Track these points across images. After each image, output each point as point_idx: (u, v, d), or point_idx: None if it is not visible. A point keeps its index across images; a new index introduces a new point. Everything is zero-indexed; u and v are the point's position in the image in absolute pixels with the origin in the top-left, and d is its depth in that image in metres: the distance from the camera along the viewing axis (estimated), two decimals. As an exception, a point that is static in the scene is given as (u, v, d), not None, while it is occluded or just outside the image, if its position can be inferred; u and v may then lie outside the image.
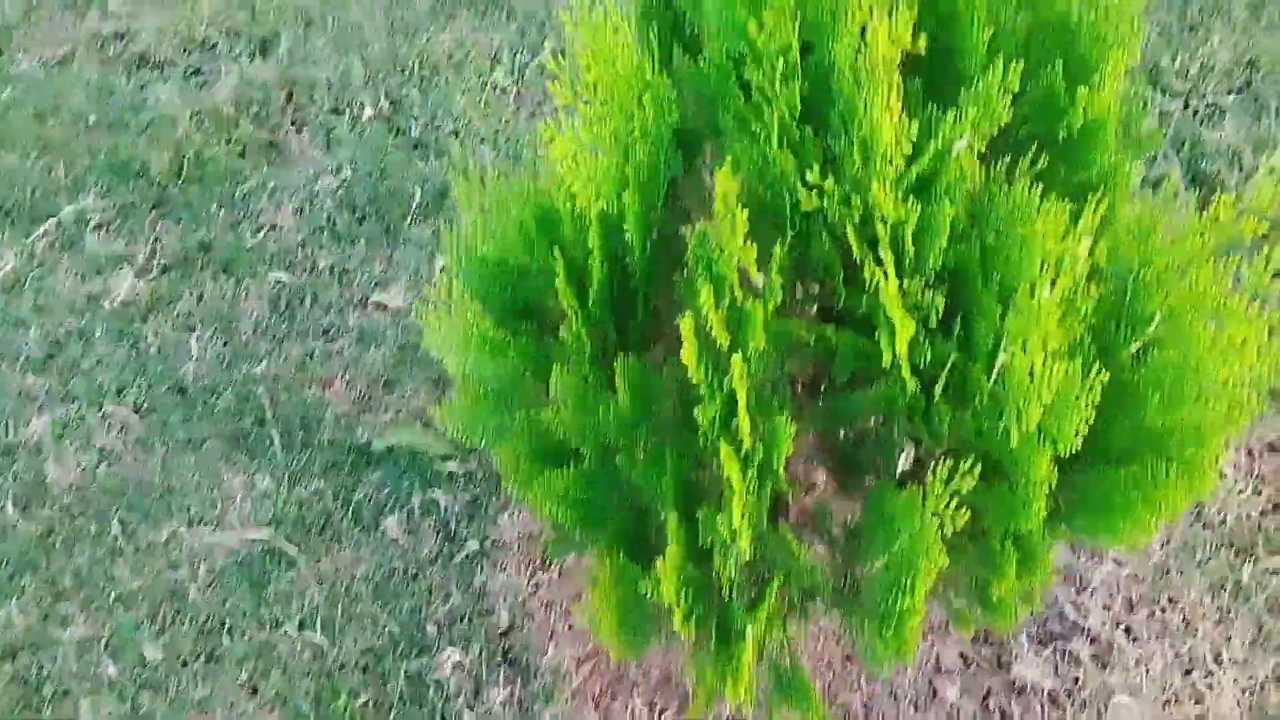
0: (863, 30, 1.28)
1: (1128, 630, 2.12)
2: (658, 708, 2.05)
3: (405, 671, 2.11)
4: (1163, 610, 2.14)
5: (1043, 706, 2.05)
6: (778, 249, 1.36)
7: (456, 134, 2.98)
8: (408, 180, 2.89)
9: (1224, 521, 2.24)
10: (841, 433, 1.65)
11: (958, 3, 1.33)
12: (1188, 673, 2.08)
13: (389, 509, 2.33)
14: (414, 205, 2.84)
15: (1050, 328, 1.26)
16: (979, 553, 1.54)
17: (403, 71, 3.13)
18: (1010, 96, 1.30)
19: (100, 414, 2.51)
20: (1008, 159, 1.36)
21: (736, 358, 1.32)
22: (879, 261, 1.32)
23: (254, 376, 2.56)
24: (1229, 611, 2.13)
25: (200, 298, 2.71)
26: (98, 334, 2.66)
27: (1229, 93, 2.99)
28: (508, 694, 2.08)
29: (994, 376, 1.38)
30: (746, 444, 1.36)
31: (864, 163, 1.29)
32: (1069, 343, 1.33)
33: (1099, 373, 1.28)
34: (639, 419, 1.52)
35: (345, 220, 2.83)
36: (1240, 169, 2.79)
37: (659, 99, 1.38)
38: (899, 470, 1.56)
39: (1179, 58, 3.03)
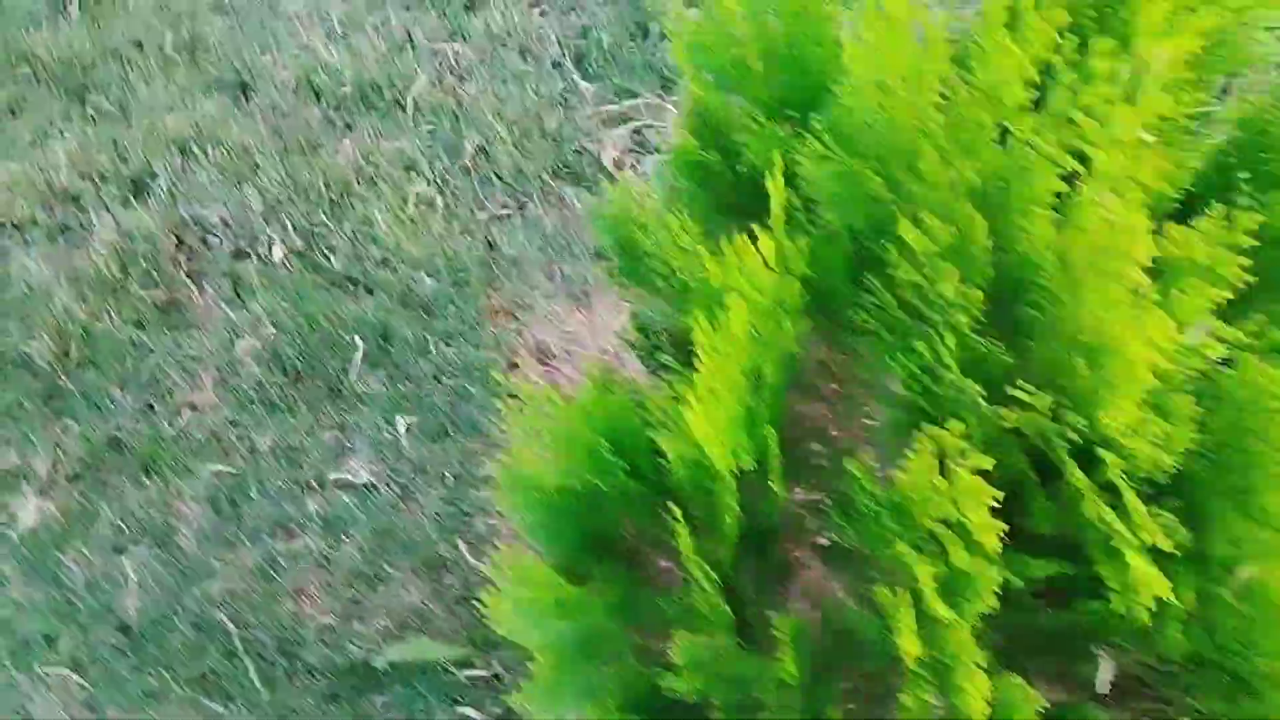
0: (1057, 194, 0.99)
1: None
2: None
3: None
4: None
5: None
6: (978, 486, 1.06)
7: (386, 262, 2.61)
8: (341, 326, 2.51)
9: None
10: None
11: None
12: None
13: (411, 741, 1.98)
14: (355, 355, 2.46)
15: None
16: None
17: (308, 196, 2.74)
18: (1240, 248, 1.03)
19: (30, 678, 2.09)
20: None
21: (964, 637, 1.03)
22: (1108, 487, 1.04)
23: (210, 598, 2.17)
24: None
25: (124, 509, 2.30)
26: (8, 574, 2.23)
27: None
28: None
29: (1236, 592, 1.11)
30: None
31: (1090, 368, 1.00)
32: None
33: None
34: (795, 686, 1.22)
35: (278, 385, 2.44)
36: None
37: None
38: (1099, 686, 1.29)
39: None
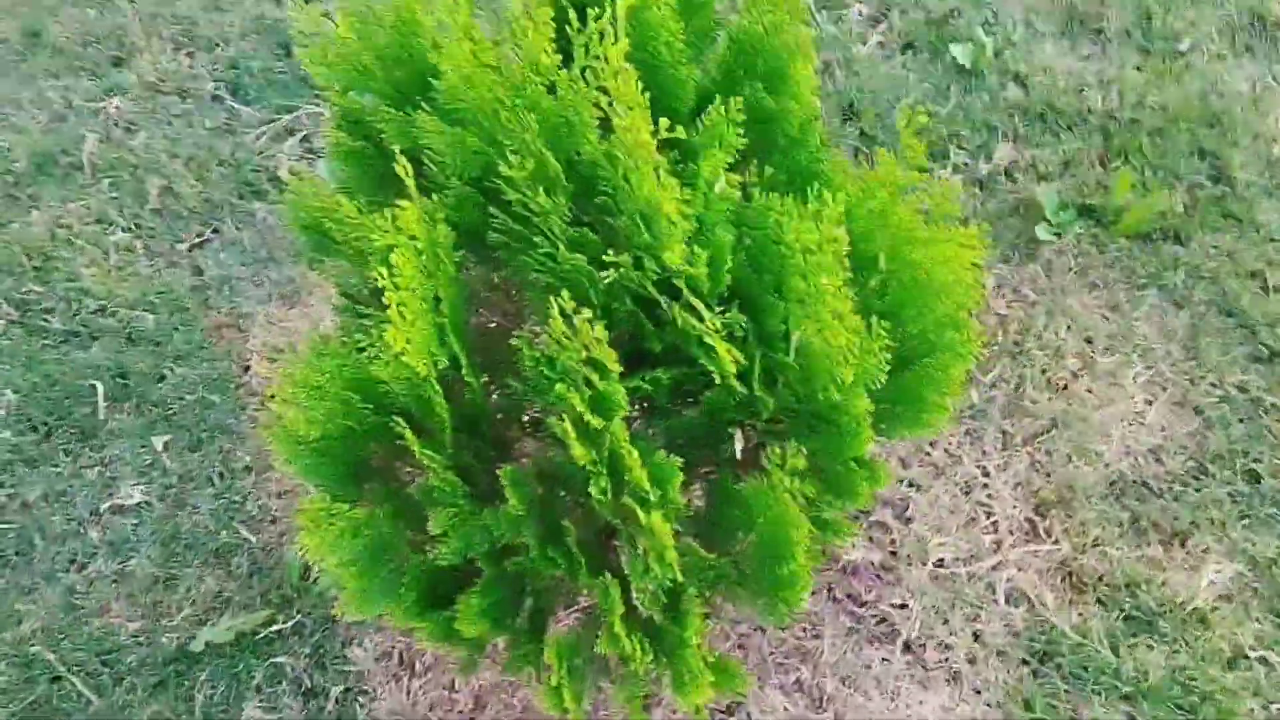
0: (601, 124, 1.44)
1: (912, 484, 2.48)
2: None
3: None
4: (928, 454, 2.51)
5: (879, 576, 2.36)
6: (599, 327, 1.50)
7: (103, 310, 2.84)
8: (78, 376, 2.74)
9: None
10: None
11: (660, 53, 1.51)
12: (967, 493, 2.46)
13: (239, 700, 2.28)
14: (99, 398, 2.70)
15: (838, 305, 1.48)
16: (825, 485, 1.79)
17: (11, 271, 2.92)
18: (738, 123, 1.50)
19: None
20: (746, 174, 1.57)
21: (617, 427, 1.47)
22: (686, 306, 1.50)
23: (23, 638, 2.39)
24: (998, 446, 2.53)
25: (-85, 587, 2.47)
26: None
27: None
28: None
29: (793, 354, 1.60)
30: (652, 494, 1.52)
31: (648, 229, 1.45)
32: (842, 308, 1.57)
33: (879, 322, 1.53)
34: (525, 516, 1.64)
35: (32, 443, 2.65)
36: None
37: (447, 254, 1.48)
38: (737, 453, 1.77)
39: None
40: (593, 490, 1.55)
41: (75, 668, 2.34)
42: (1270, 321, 2.63)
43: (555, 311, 1.45)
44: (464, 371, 1.56)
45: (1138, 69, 3.09)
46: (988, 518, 2.44)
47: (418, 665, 2.34)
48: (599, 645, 1.68)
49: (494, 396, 1.80)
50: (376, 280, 1.61)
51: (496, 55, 1.46)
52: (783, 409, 1.66)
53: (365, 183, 1.80)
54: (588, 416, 1.48)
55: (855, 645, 2.31)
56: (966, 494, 2.48)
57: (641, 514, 1.53)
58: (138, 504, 2.55)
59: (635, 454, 1.50)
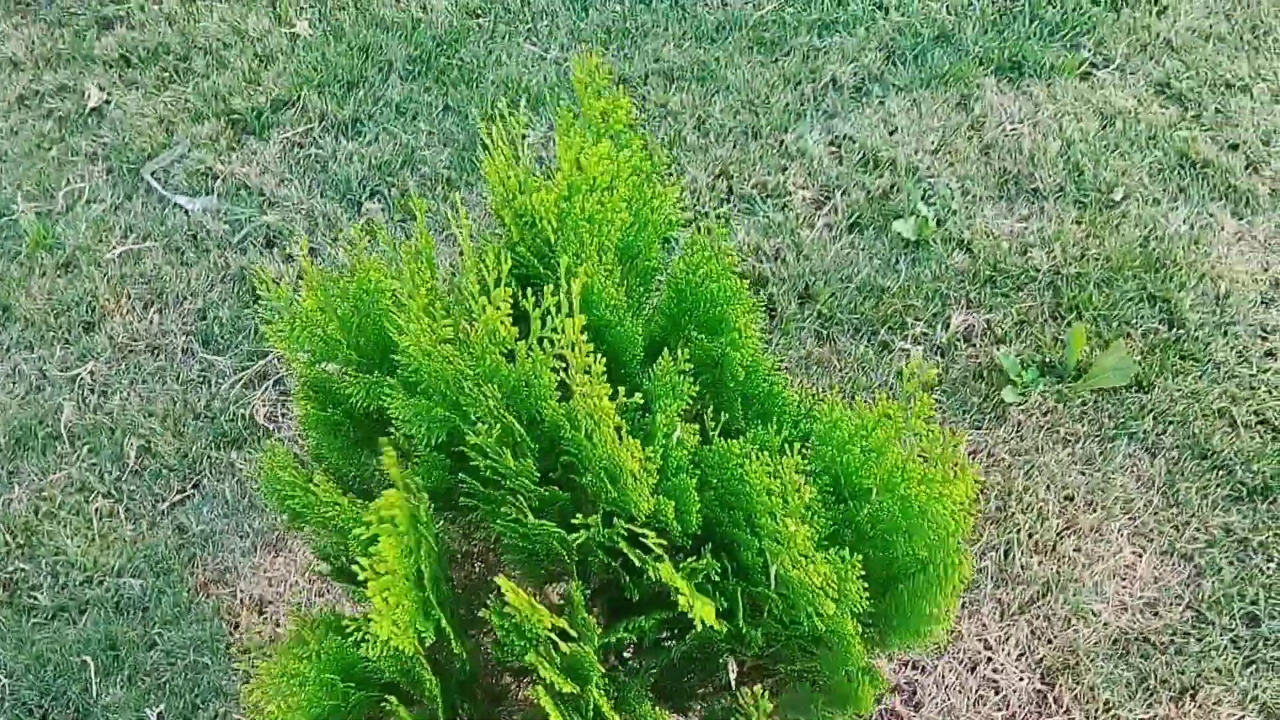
0: (560, 386, 1.48)
1: (915, 665, 2.46)
2: None
3: None
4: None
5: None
6: (574, 589, 1.52)
7: (90, 580, 2.83)
8: (69, 652, 2.71)
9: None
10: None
11: (606, 317, 1.57)
12: (972, 669, 2.44)
13: None
14: (88, 673, 2.67)
15: (805, 549, 1.51)
16: (828, 698, 1.78)
17: (-5, 549, 2.93)
18: (687, 372, 1.55)
19: None
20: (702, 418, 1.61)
21: (594, 692, 1.47)
22: (659, 558, 1.52)
23: None
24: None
25: None
26: None
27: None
28: None
29: (773, 585, 1.62)
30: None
31: (612, 485, 1.48)
32: (819, 536, 1.59)
33: (852, 558, 1.55)
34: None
35: (26, 727, 2.62)
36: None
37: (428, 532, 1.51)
38: (732, 681, 1.77)
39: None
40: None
41: None
42: (1244, 459, 2.66)
43: (505, 588, 1.46)
44: (452, 645, 1.56)
45: (1076, 223, 3.19)
46: (996, 693, 2.42)
47: None
48: None
49: (485, 644, 1.80)
50: (354, 556, 1.63)
51: (452, 328, 1.51)
52: (771, 637, 1.67)
53: (336, 447, 1.83)
54: (561, 684, 1.48)
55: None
56: (972, 670, 2.46)
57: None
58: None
59: (617, 717, 1.49)
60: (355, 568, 1.93)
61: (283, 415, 3.09)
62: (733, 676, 1.76)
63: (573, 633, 1.48)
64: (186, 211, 3.67)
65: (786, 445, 1.55)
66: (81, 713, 2.62)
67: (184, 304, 3.43)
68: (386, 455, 1.53)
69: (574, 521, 1.50)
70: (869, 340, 3.04)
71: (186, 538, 2.88)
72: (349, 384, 1.73)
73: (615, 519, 1.51)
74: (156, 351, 3.31)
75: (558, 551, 1.54)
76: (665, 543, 1.53)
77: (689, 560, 1.54)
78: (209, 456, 3.03)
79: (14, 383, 3.28)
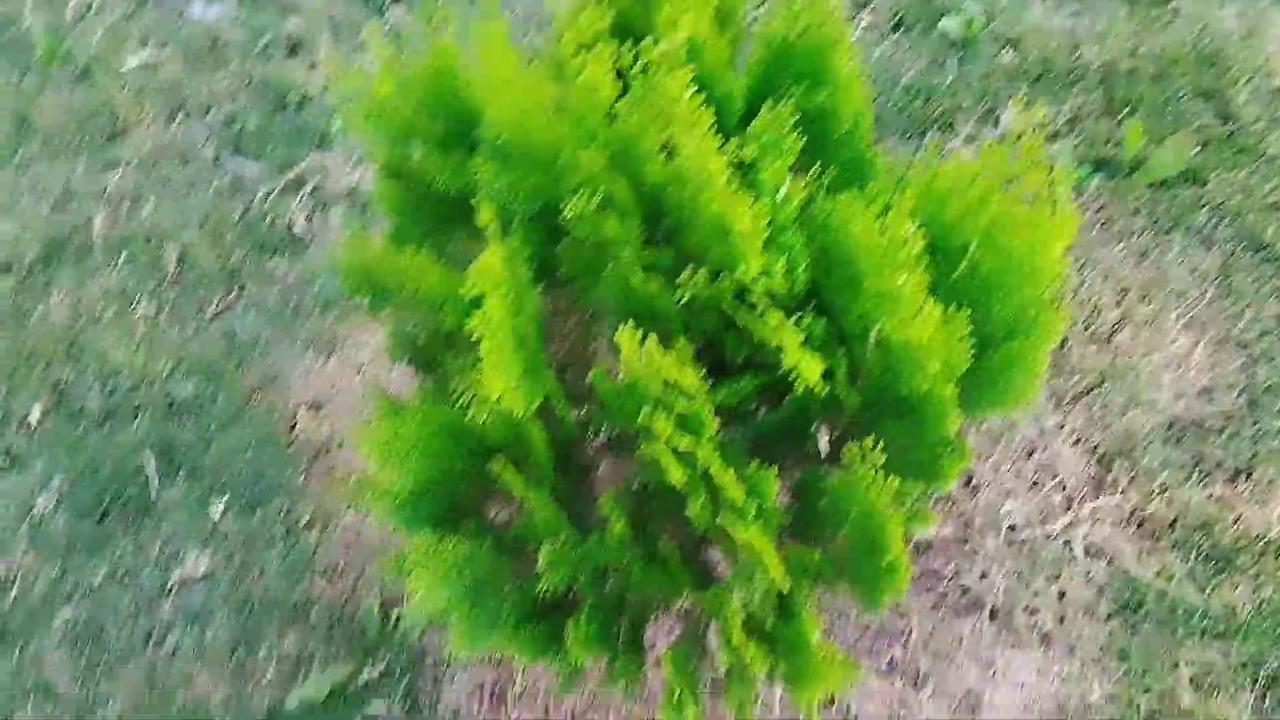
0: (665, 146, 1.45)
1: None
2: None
3: None
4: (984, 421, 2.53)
5: (955, 550, 2.38)
6: (680, 347, 1.51)
7: (138, 386, 2.83)
8: (124, 454, 2.72)
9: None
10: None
11: (708, 71, 1.52)
12: (1029, 455, 2.48)
13: (340, 755, 2.28)
14: (150, 475, 2.69)
15: (916, 302, 1.49)
16: (913, 471, 1.80)
17: (40, 358, 2.90)
18: (792, 123, 1.52)
19: None
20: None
21: (708, 451, 1.47)
22: (765, 316, 1.50)
23: (113, 718, 2.38)
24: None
25: (-6, 687, 2.46)
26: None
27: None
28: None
29: (872, 350, 1.61)
30: (749, 507, 1.52)
31: (721, 243, 1.46)
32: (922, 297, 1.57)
33: (961, 312, 1.53)
34: (627, 540, 1.64)
35: (88, 526, 2.64)
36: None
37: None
38: (823, 450, 1.78)
39: None
40: (690, 510, 1.55)
41: (170, 746, 2.33)
42: (1299, 251, 2.66)
43: (625, 343, 1.45)
44: (557, 407, 1.56)
45: (1127, 20, 3.11)
46: (1053, 478, 2.46)
47: (509, 696, 2.34)
48: (720, 658, 1.68)
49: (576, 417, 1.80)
50: (443, 325, 1.62)
51: (549, 92, 1.46)
52: (866, 403, 1.67)
53: (415, 231, 1.80)
54: (676, 440, 1.48)
55: (942, 620, 2.32)
56: (1029, 456, 2.49)
57: (741, 529, 1.53)
58: (205, 574, 2.54)
59: (730, 472, 1.50)
60: (437, 353, 1.93)
61: (322, 223, 3.04)
62: (824, 446, 1.77)
63: (685, 388, 1.47)
64: (203, 20, 3.55)
65: (892, 201, 1.53)
66: (142, 510, 2.65)
67: (209, 113, 3.34)
68: (483, 214, 1.49)
69: (679, 281, 1.48)
70: (918, 141, 2.99)
71: (234, 343, 2.87)
72: (432, 165, 1.69)
73: (721, 277, 1.50)
74: (185, 161, 3.24)
75: (663, 312, 1.52)
76: (770, 303, 1.52)
77: (794, 318, 1.53)
78: (249, 264, 2.99)
79: (40, 195, 3.21)
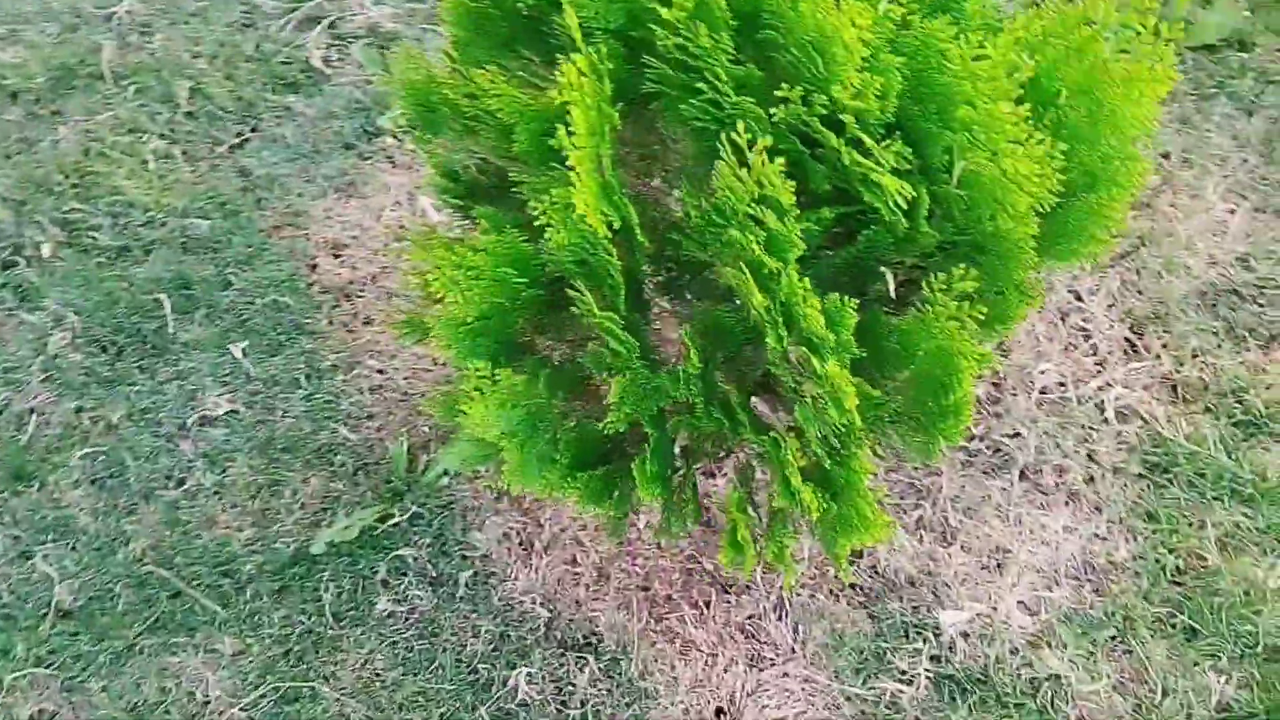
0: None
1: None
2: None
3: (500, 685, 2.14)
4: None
5: (987, 409, 2.38)
6: (771, 168, 1.46)
7: (152, 222, 2.75)
8: (140, 290, 2.66)
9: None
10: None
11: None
12: (1063, 318, 2.46)
13: (369, 596, 2.28)
14: (166, 311, 2.63)
15: (1017, 132, 1.45)
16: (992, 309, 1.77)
17: (50, 190, 2.81)
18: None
19: (2, 691, 2.25)
20: None
21: (793, 276, 1.44)
22: (853, 141, 1.46)
23: (134, 558, 2.36)
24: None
25: (13, 519, 2.43)
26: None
27: None
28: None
29: (955, 184, 1.57)
30: (829, 339, 1.50)
31: (819, 58, 1.40)
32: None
33: (1054, 145, 1.49)
34: (697, 376, 1.62)
35: (105, 363, 2.59)
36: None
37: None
38: (891, 291, 1.75)
39: None
40: (769, 339, 1.52)
41: (194, 582, 2.32)
42: (1345, 121, 2.62)
43: (727, 149, 1.40)
44: (636, 233, 1.52)
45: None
46: (1086, 340, 2.45)
47: (537, 544, 2.34)
48: (776, 499, 1.68)
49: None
50: (515, 147, 1.56)
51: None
52: (941, 243, 1.63)
53: (483, 46, 1.72)
54: (763, 259, 1.45)
55: (972, 478, 2.33)
56: (1063, 319, 2.48)
57: (817, 361, 1.51)
58: (226, 413, 2.51)
59: (814, 298, 1.47)
60: (492, 184, 1.86)
61: (341, 59, 2.93)
62: (892, 288, 1.74)
63: (780, 203, 1.43)
64: None
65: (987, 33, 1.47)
66: (159, 349, 2.59)
67: (217, -58, 3.19)
68: (569, 18, 1.42)
69: (775, 94, 1.42)
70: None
71: (250, 180, 2.79)
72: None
73: (813, 97, 1.44)
74: (194, -9, 3.11)
75: (752, 132, 1.46)
76: (859, 128, 1.47)
77: (883, 146, 1.48)
78: (265, 99, 2.89)
79: (46, 20, 3.08)
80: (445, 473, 2.40)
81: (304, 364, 2.55)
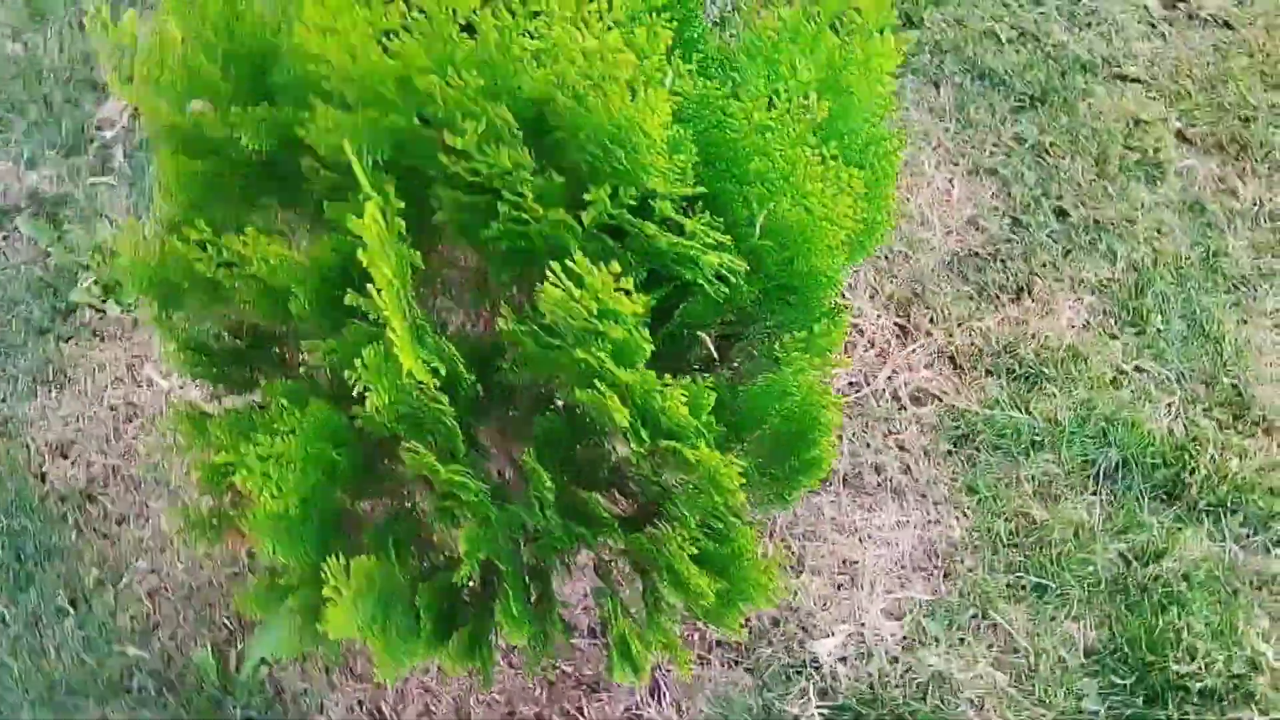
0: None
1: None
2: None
3: None
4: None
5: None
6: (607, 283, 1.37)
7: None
8: None
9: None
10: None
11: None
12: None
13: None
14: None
15: (804, 161, 1.42)
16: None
17: None
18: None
19: None
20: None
21: (650, 378, 1.36)
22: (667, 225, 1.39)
23: None
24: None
25: None
26: None
27: None
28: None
29: (759, 234, 1.53)
30: (691, 425, 1.42)
31: (622, 151, 1.32)
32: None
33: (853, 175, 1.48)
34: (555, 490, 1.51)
35: None
36: None
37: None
38: (714, 356, 1.70)
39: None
40: (632, 445, 1.43)
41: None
42: (1017, 71, 2.80)
43: (557, 274, 1.30)
44: (462, 371, 1.38)
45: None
46: (862, 336, 2.50)
47: (385, 708, 2.15)
48: (667, 596, 1.59)
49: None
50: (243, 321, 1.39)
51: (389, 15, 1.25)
52: (762, 291, 1.59)
53: (219, 207, 1.53)
54: (615, 371, 1.35)
55: (801, 501, 2.32)
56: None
57: (689, 451, 1.43)
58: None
59: (676, 392, 1.39)
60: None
61: (6, 238, 2.60)
62: (709, 348, 1.69)
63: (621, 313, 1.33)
64: None
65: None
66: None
67: None
68: (350, 153, 1.26)
69: (589, 198, 1.33)
70: None
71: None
72: (235, 122, 1.41)
73: (620, 191, 1.35)
74: None
75: (564, 242, 1.36)
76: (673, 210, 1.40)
77: (690, 220, 1.41)
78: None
79: None
80: (263, 661, 2.16)
81: (64, 588, 2.23)
